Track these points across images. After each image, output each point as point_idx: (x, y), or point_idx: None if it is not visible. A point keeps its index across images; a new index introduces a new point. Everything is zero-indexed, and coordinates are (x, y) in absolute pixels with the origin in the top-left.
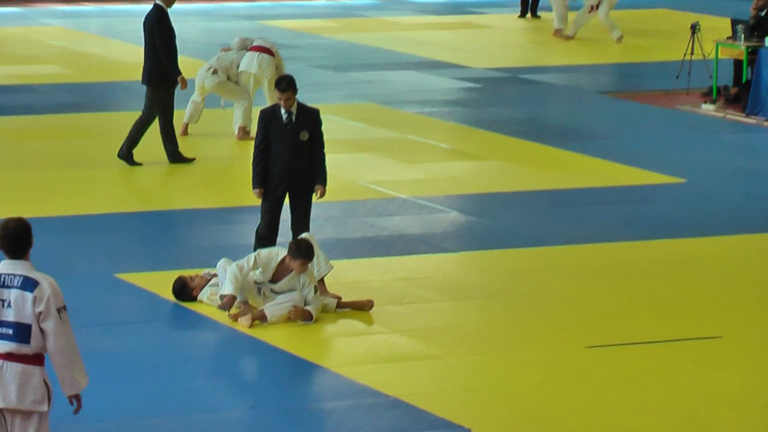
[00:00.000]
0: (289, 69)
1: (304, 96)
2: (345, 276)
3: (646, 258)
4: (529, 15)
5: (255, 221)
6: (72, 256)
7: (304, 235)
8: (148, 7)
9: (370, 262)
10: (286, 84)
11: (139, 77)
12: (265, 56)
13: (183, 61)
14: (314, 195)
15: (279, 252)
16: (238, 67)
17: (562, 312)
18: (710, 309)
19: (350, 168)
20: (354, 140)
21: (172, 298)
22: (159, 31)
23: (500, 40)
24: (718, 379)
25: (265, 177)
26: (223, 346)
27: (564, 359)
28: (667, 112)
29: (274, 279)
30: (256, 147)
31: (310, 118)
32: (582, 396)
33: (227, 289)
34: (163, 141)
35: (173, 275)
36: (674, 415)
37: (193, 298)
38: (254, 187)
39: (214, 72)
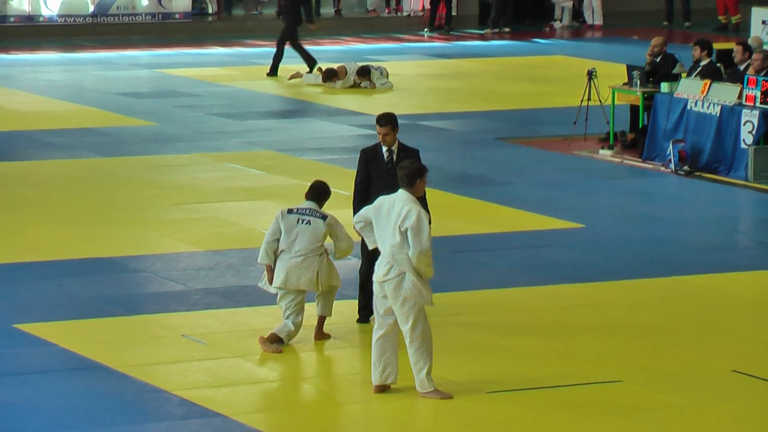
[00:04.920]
0: (187, 117)
1: (203, 144)
2: (246, 324)
3: (545, 303)
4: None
5: (155, 270)
6: None
7: None
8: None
9: (270, 309)
10: (385, 119)
11: (39, 126)
12: None
13: (81, 110)
14: None
15: None
16: None
17: (463, 357)
18: (610, 353)
19: (250, 215)
20: (253, 188)
21: (71, 347)
22: None
23: (399, 87)
24: (618, 424)
25: None
26: (125, 396)
27: (466, 405)
28: (565, 158)
29: None
30: (356, 185)
31: (409, 157)
32: None
33: None
34: None
35: (74, 325)
36: None
37: None
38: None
39: None
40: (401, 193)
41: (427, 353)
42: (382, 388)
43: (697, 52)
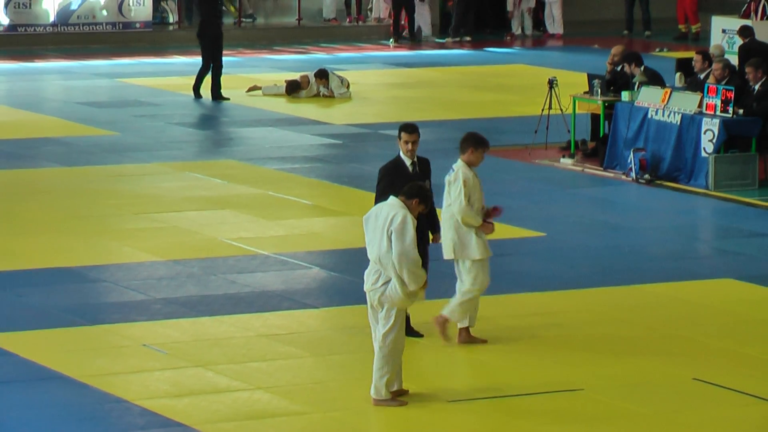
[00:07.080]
0: (148, 127)
1: (164, 153)
2: (207, 333)
3: (507, 312)
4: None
5: (116, 280)
6: None
7: None
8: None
9: (232, 319)
10: (414, 127)
11: None
12: None
13: (41, 120)
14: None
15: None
16: None
17: (424, 366)
18: (571, 361)
19: (212, 225)
20: (215, 197)
21: (32, 357)
22: None
23: (360, 96)
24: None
25: None
26: (85, 406)
27: (427, 414)
28: (526, 167)
29: None
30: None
31: (426, 167)
32: None
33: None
34: None
35: (35, 335)
36: None
37: None
38: None
39: None
40: (392, 199)
41: (393, 363)
42: (399, 394)
43: (627, 68)
